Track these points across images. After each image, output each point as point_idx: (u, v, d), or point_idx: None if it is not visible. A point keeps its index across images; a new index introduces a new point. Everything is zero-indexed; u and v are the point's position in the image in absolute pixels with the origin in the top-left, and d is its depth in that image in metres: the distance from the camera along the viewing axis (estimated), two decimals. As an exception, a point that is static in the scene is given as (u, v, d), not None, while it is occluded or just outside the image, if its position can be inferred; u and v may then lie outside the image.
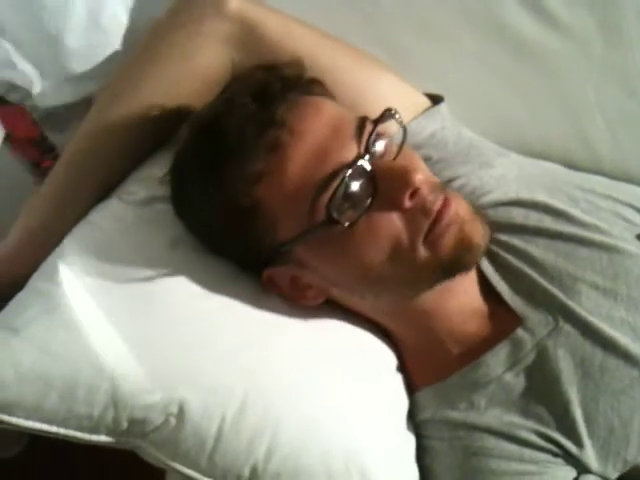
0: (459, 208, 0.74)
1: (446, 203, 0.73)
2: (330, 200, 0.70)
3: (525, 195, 0.84)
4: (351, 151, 0.72)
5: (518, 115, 1.01)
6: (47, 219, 0.84)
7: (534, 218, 0.82)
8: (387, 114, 0.75)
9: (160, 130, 0.86)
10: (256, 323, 0.77)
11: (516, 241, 0.82)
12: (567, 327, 0.76)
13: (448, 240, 0.73)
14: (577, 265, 0.79)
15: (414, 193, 0.71)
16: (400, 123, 0.76)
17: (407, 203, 0.71)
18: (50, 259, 0.79)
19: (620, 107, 0.98)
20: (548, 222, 0.82)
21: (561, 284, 0.78)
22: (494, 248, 0.82)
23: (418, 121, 0.89)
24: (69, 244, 0.80)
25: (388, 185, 0.71)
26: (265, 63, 0.78)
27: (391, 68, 0.91)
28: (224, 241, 0.78)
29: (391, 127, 0.76)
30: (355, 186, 0.71)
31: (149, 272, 0.76)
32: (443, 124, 0.90)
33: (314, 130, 0.72)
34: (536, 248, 0.80)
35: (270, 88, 0.74)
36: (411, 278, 0.75)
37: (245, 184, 0.72)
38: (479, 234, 0.74)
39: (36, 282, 0.77)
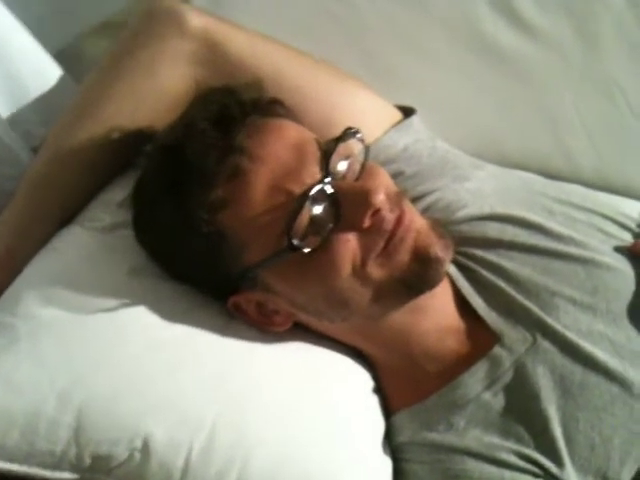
0: (414, 220, 0.73)
1: (399, 219, 0.72)
2: (291, 227, 0.69)
3: (501, 209, 0.83)
4: (313, 174, 0.71)
5: (497, 125, 1.00)
6: (10, 245, 0.82)
7: (510, 232, 0.81)
8: (348, 133, 0.74)
9: (124, 151, 0.84)
10: (223, 351, 0.75)
11: (492, 256, 0.80)
12: (545, 344, 0.74)
13: (403, 255, 0.72)
14: (554, 279, 0.77)
15: (374, 213, 0.70)
16: (362, 141, 0.75)
17: (367, 223, 0.70)
18: (12, 289, 0.78)
19: (599, 115, 0.97)
20: (524, 236, 0.80)
21: (538, 299, 0.76)
22: (470, 263, 0.80)
23: (390, 135, 0.87)
24: (31, 273, 0.79)
25: (349, 207, 0.71)
26: (224, 86, 0.77)
27: (363, 82, 0.90)
28: (187, 268, 0.77)
29: (355, 145, 0.75)
30: (317, 210, 0.70)
31: (113, 302, 0.74)
32: (416, 137, 0.88)
33: (275, 155, 0.71)
34: (512, 263, 0.79)
35: (229, 113, 0.73)
36: (373, 298, 0.73)
37: (207, 211, 0.71)
38: (436, 246, 0.73)
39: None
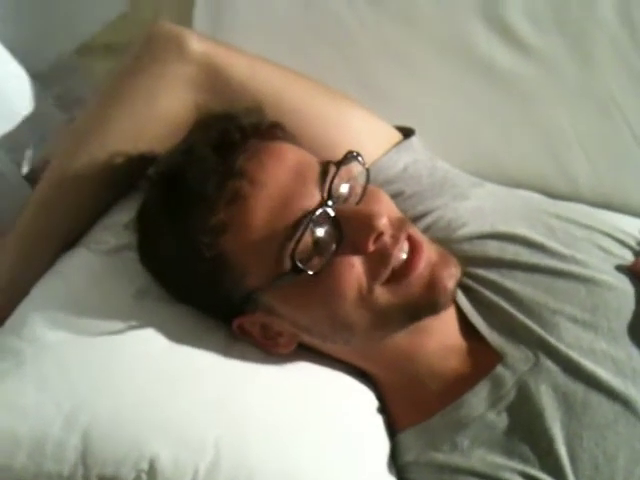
0: (430, 254, 0.74)
1: (417, 250, 0.73)
2: (294, 249, 0.70)
3: (501, 227, 0.83)
4: (314, 197, 0.71)
5: (494, 144, 1.00)
6: (14, 270, 0.83)
7: (510, 251, 0.81)
8: (349, 156, 0.74)
9: (127, 175, 0.85)
10: (228, 373, 0.75)
11: (493, 275, 0.80)
12: (547, 362, 0.74)
13: (416, 287, 0.73)
14: (556, 298, 0.77)
15: (378, 238, 0.71)
16: (363, 165, 0.75)
17: (371, 247, 0.71)
18: (18, 312, 0.78)
19: (597, 133, 0.97)
20: (525, 255, 0.81)
21: (540, 318, 0.76)
22: (471, 283, 0.80)
23: (390, 156, 0.88)
24: (37, 296, 0.79)
25: (352, 230, 0.71)
26: (224, 111, 0.77)
27: (361, 104, 0.90)
28: (191, 291, 0.77)
29: (355, 168, 0.75)
30: (320, 233, 0.71)
31: (118, 325, 0.75)
32: (415, 157, 0.89)
33: (275, 178, 0.71)
34: (513, 282, 0.79)
35: (229, 138, 0.73)
36: (376, 322, 0.74)
37: (209, 236, 0.71)
38: (451, 278, 0.74)
39: (4, 338, 0.76)
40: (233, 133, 0.74)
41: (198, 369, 0.74)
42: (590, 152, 0.98)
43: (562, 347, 0.75)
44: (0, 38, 1.02)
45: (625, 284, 0.78)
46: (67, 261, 0.82)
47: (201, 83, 0.83)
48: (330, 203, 0.71)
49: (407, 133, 0.91)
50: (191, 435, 0.70)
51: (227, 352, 0.76)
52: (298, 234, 0.70)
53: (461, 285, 0.80)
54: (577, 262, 0.79)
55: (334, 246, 0.71)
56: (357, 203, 0.74)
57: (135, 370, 0.72)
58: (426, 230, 0.84)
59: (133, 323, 0.75)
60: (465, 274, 0.81)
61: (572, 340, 0.75)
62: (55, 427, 0.68)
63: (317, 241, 0.71)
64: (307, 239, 0.70)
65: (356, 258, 0.71)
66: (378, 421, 0.79)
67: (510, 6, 0.97)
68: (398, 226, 0.73)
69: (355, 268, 0.71)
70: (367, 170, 0.75)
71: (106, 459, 0.68)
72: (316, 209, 0.70)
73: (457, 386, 0.77)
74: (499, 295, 0.79)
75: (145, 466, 0.68)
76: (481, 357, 0.77)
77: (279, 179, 0.71)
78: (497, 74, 0.98)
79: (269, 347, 0.77)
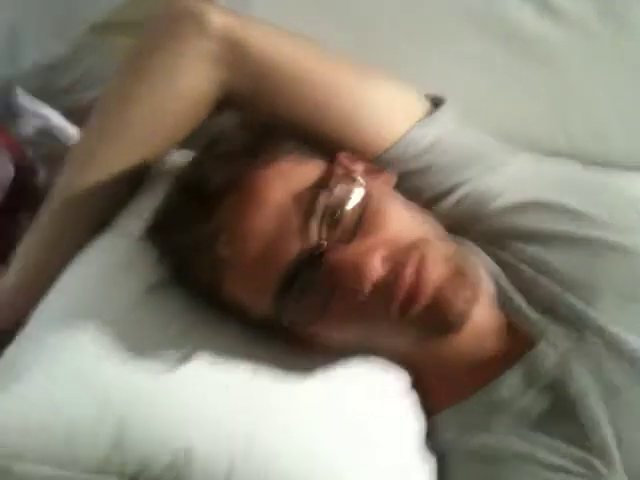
0: (436, 276, 0.68)
1: (420, 276, 0.68)
2: (284, 307, 0.69)
3: (538, 196, 0.80)
4: (299, 244, 0.68)
5: (525, 112, 0.98)
6: (39, 261, 0.82)
7: (550, 221, 0.79)
8: (343, 180, 0.71)
9: (151, 157, 0.83)
10: (256, 365, 0.74)
11: (532, 249, 0.78)
12: (592, 340, 0.72)
13: (422, 313, 0.68)
14: (599, 270, 0.75)
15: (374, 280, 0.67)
16: (361, 186, 0.71)
17: (366, 292, 0.67)
18: (45, 302, 0.77)
19: (630, 95, 0.95)
20: (565, 225, 0.78)
21: (582, 293, 0.74)
22: (509, 258, 0.78)
23: (420, 127, 0.84)
24: (65, 282, 0.78)
25: (344, 279, 0.68)
26: (204, 153, 0.76)
27: (388, 75, 0.87)
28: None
29: (355, 188, 0.71)
30: (309, 284, 0.68)
31: (149, 312, 0.75)
32: (445, 129, 0.86)
33: (255, 231, 0.69)
34: (552, 255, 0.77)
35: (207, 189, 0.71)
36: (390, 347, 0.74)
37: (208, 287, 0.73)
38: (459, 299, 0.69)
39: (33, 332, 0.75)
40: (212, 183, 0.71)
41: (227, 364, 0.73)
42: (624, 116, 0.95)
43: (606, 323, 0.72)
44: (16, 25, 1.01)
45: None
46: (95, 247, 0.80)
47: (223, 59, 0.80)
48: (321, 244, 0.68)
49: (437, 101, 0.87)
50: (223, 430, 0.69)
51: (254, 344, 0.75)
52: (287, 290, 0.68)
53: (501, 261, 0.78)
54: (618, 231, 0.77)
55: (327, 293, 0.68)
56: (355, 229, 0.69)
57: (165, 359, 0.71)
58: (457, 204, 0.82)
59: (161, 310, 0.75)
60: (503, 248, 0.79)
61: (616, 314, 0.73)
62: (89, 416, 0.68)
63: (307, 295, 0.68)
64: (297, 294, 0.68)
65: (353, 301, 0.68)
66: (411, 402, 0.78)
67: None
68: (402, 255, 0.68)
69: (353, 311, 0.69)
70: (367, 193, 0.70)
71: (142, 447, 0.68)
72: (302, 261, 0.67)
73: (493, 367, 0.75)
74: (540, 270, 0.76)
75: (181, 454, 0.68)
76: (521, 335, 0.75)
77: (261, 231, 0.69)
78: (529, 42, 0.95)
79: (301, 347, 0.75)
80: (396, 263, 0.68)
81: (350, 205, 0.69)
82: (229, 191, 0.70)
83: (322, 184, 0.70)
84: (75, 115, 1.06)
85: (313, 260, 0.68)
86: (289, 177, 0.71)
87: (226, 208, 0.69)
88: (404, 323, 0.69)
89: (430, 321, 0.69)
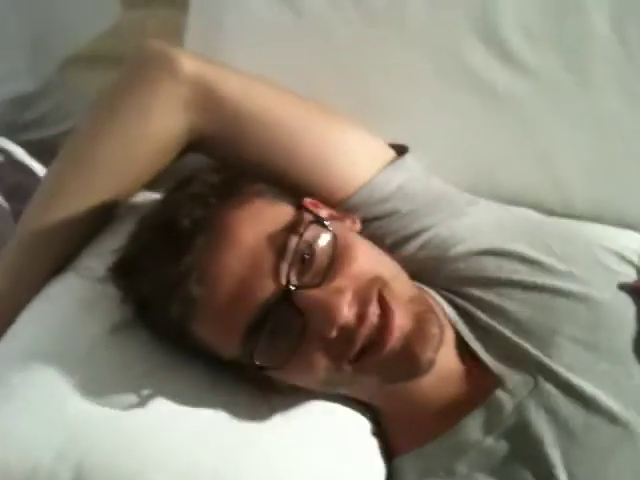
0: (404, 322, 0.70)
1: (388, 323, 0.69)
2: (253, 349, 0.69)
3: (498, 244, 0.82)
4: (270, 288, 0.69)
5: (490, 161, 0.99)
6: (3, 293, 0.81)
7: (508, 269, 0.80)
8: (311, 224, 0.71)
9: (118, 197, 0.83)
10: (220, 400, 0.74)
11: (490, 296, 0.79)
12: (547, 386, 0.73)
13: (389, 360, 0.70)
14: (555, 318, 0.76)
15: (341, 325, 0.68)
16: (329, 231, 0.71)
17: (333, 334, 0.68)
18: (5, 340, 0.77)
19: (592, 150, 0.96)
20: (523, 273, 0.79)
21: (539, 340, 0.75)
22: (467, 306, 0.79)
23: (384, 174, 0.86)
24: (26, 321, 0.78)
25: (314, 319, 0.68)
26: (178, 188, 0.76)
27: (355, 121, 0.89)
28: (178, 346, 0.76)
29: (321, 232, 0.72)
30: (279, 326, 0.69)
31: (108, 354, 0.74)
32: (410, 175, 0.88)
33: (227, 271, 0.69)
34: (511, 302, 0.78)
35: (179, 228, 0.70)
36: (355, 387, 0.75)
37: (176, 324, 0.72)
38: (428, 349, 0.71)
39: None
40: (183, 222, 0.70)
41: (191, 399, 0.73)
42: (587, 170, 0.96)
43: (561, 370, 0.74)
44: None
45: (626, 302, 0.77)
46: (56, 286, 0.80)
47: (194, 103, 0.81)
48: (292, 286, 0.68)
49: (401, 151, 0.90)
50: (187, 464, 0.69)
51: (216, 382, 0.75)
52: (257, 333, 0.68)
53: (458, 308, 0.79)
54: (576, 279, 0.78)
55: (297, 335, 0.69)
56: (325, 271, 0.70)
57: (126, 401, 0.71)
58: (421, 249, 0.84)
59: (123, 352, 0.74)
60: (462, 296, 0.80)
61: (572, 361, 0.74)
62: (47, 458, 0.67)
63: (278, 334, 0.69)
64: (266, 336, 0.68)
65: (321, 344, 0.69)
66: (375, 445, 0.78)
67: (505, 22, 0.95)
68: (366, 292, 0.70)
69: (320, 354, 0.69)
70: (334, 235, 0.71)
71: None
72: (273, 303, 0.68)
73: (455, 411, 0.76)
74: (496, 317, 0.78)
75: None
76: (480, 381, 0.76)
77: (232, 271, 0.69)
78: (493, 90, 0.96)
79: (263, 389, 0.75)
80: (362, 302, 0.69)
81: (319, 248, 0.70)
82: (201, 231, 0.70)
83: (292, 228, 0.71)
84: (42, 151, 1.06)
85: (284, 301, 0.68)
86: (261, 218, 0.72)
87: (198, 247, 0.69)
88: (368, 366, 0.70)
89: (397, 366, 0.70)
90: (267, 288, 0.68)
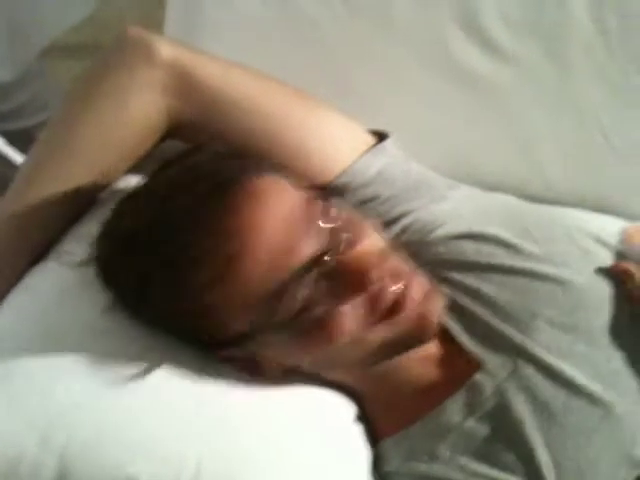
0: (419, 289, 0.73)
1: (411, 286, 0.72)
2: (288, 304, 0.68)
3: (477, 228, 0.82)
4: (305, 250, 0.68)
5: (470, 147, 1.00)
6: None
7: (486, 252, 0.80)
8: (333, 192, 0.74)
9: (97, 183, 0.83)
10: (206, 389, 0.73)
11: (469, 280, 0.79)
12: (526, 368, 0.74)
13: (407, 323, 0.72)
14: (533, 301, 0.77)
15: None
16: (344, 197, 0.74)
17: (372, 285, 0.70)
18: None
19: (571, 136, 0.97)
20: (501, 257, 0.80)
21: (518, 323, 0.76)
22: (448, 289, 0.79)
23: (364, 159, 0.86)
24: (5, 313, 0.77)
25: (346, 282, 0.69)
26: (208, 153, 0.74)
27: (335, 108, 0.89)
28: (169, 328, 0.74)
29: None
30: (312, 286, 0.68)
31: (89, 341, 0.73)
32: (390, 160, 0.88)
33: (265, 236, 0.68)
34: (489, 285, 0.78)
35: (216, 190, 0.69)
36: (366, 358, 0.74)
37: (196, 291, 0.69)
38: (437, 311, 0.74)
39: None
40: (218, 185, 0.70)
41: (175, 384, 0.72)
42: (567, 156, 0.97)
43: (540, 352, 0.74)
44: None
45: (604, 285, 0.77)
46: (36, 275, 0.80)
47: (171, 88, 0.81)
48: (325, 255, 0.69)
49: (382, 136, 0.90)
50: (171, 451, 0.68)
51: (203, 369, 0.74)
52: (289, 288, 0.68)
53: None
54: (554, 263, 0.79)
55: (326, 298, 0.69)
56: (351, 239, 0.71)
57: (109, 387, 0.70)
58: (402, 233, 0.84)
59: (106, 339, 0.73)
60: (442, 279, 0.80)
61: (551, 344, 0.75)
62: (30, 447, 0.67)
63: (310, 294, 0.68)
64: (300, 294, 0.68)
65: (349, 306, 0.70)
66: (359, 430, 0.78)
67: (485, 10, 0.96)
68: (381, 261, 0.71)
69: (348, 317, 0.70)
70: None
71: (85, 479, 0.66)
72: (309, 264, 0.68)
73: (436, 394, 0.76)
74: (475, 301, 0.78)
75: None
76: (460, 365, 0.76)
77: (269, 234, 0.68)
78: (473, 78, 0.97)
79: (254, 374, 0.75)
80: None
81: (343, 217, 0.72)
82: (236, 198, 0.69)
83: (314, 197, 0.72)
84: (21, 141, 1.05)
85: (318, 268, 0.68)
86: (288, 191, 0.72)
87: (235, 214, 0.68)
88: (384, 341, 0.72)
89: (410, 331, 0.72)
90: (301, 252, 0.68)
